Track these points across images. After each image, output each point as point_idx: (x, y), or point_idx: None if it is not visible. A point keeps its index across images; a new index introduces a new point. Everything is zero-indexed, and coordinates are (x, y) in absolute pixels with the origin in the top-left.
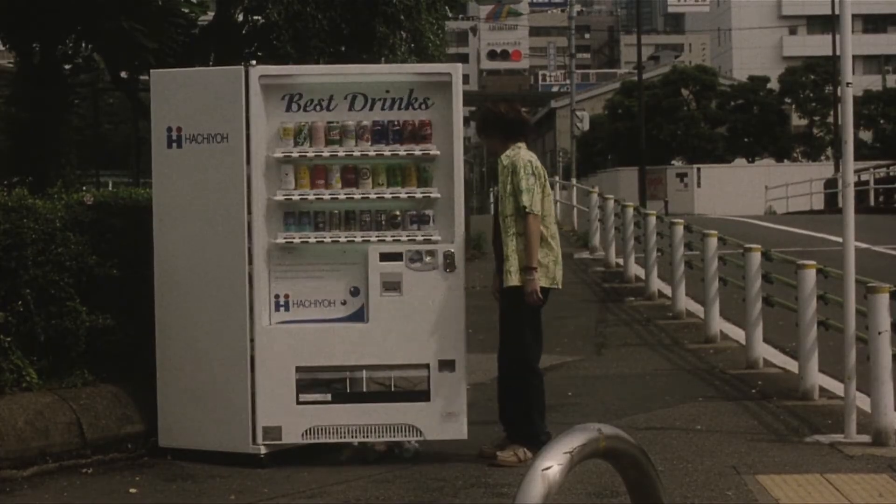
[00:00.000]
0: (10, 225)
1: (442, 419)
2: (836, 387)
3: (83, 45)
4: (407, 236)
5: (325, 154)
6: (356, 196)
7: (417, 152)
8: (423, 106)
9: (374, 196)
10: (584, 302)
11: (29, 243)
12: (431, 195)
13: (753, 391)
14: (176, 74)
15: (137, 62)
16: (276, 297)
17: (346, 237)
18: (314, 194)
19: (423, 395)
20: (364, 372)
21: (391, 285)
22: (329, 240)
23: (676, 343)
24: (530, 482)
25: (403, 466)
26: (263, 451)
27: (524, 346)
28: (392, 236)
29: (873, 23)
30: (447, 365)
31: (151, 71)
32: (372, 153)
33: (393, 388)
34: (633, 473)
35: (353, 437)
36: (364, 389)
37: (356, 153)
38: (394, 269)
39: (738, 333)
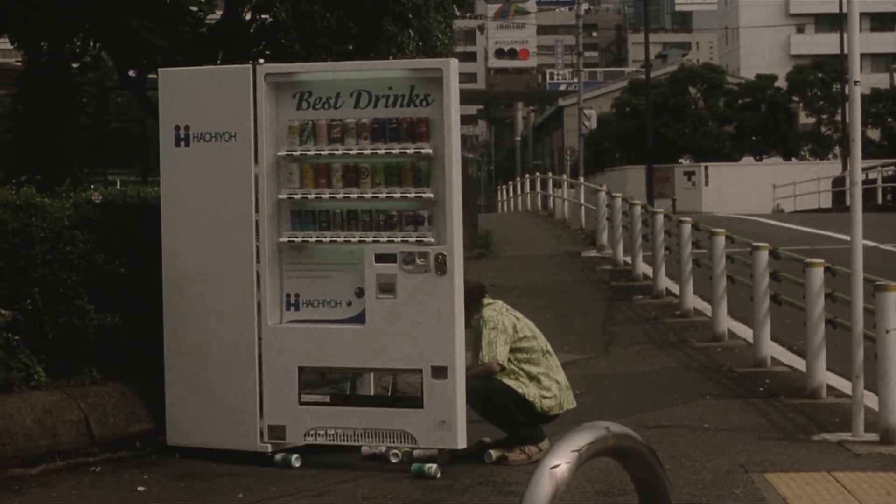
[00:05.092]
0: (19, 223)
1: (435, 427)
2: (843, 385)
3: (91, 43)
4: (402, 237)
5: (326, 152)
6: (353, 196)
7: (411, 151)
8: (423, 103)
9: (371, 196)
10: (592, 300)
11: (37, 242)
12: (424, 195)
13: (761, 389)
14: (184, 73)
15: (145, 61)
16: (288, 296)
17: (345, 237)
18: (316, 193)
19: (417, 402)
20: (360, 375)
21: (386, 287)
22: (328, 240)
23: (684, 341)
24: (539, 480)
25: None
26: (270, 449)
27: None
28: (388, 237)
29: (881, 21)
30: (439, 372)
31: (159, 69)
32: (368, 152)
33: (388, 392)
34: (640, 471)
35: (350, 441)
36: (360, 393)
37: (353, 152)
38: (388, 271)
39: (745, 332)
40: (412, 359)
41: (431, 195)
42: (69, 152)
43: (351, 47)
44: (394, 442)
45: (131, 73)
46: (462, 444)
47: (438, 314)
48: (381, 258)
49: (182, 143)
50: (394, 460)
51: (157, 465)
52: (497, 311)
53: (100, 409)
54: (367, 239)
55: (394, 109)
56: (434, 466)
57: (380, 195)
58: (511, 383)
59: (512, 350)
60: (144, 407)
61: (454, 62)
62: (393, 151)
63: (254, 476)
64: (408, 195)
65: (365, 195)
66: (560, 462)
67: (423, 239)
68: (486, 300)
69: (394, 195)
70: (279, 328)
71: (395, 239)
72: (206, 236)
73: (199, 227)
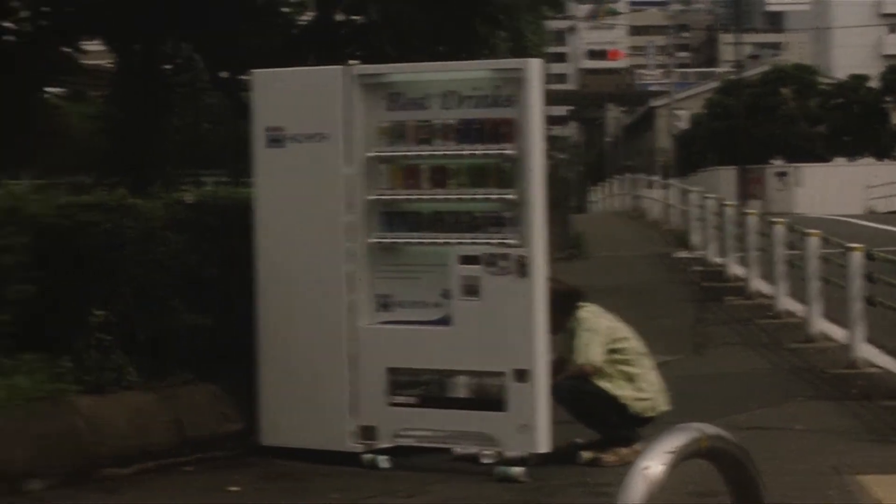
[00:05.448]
0: (112, 224)
1: (517, 431)
2: None
3: (183, 44)
4: (485, 239)
5: (414, 154)
6: (439, 197)
7: (494, 152)
8: (507, 103)
9: (455, 197)
10: (683, 301)
11: (129, 242)
12: (507, 197)
13: (854, 391)
14: (276, 74)
15: (237, 62)
16: (378, 296)
17: (431, 239)
18: (405, 194)
19: (500, 405)
20: (446, 378)
21: (470, 289)
22: (416, 241)
23: (776, 342)
24: (632, 481)
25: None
26: (361, 450)
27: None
28: (471, 239)
29: None
30: (521, 375)
31: (252, 71)
32: (453, 153)
33: (472, 395)
34: (734, 473)
35: (437, 443)
36: (446, 395)
37: (440, 153)
38: (472, 273)
39: (839, 333)
40: (495, 361)
41: (514, 197)
42: (162, 153)
43: (442, 48)
44: (478, 444)
45: (223, 74)
46: (544, 448)
47: (520, 317)
48: (465, 260)
49: (275, 144)
50: (485, 461)
51: (249, 466)
52: (592, 314)
53: (191, 409)
54: (451, 241)
55: (479, 110)
56: (520, 470)
57: (464, 196)
58: (606, 385)
59: (608, 352)
60: (235, 407)
61: (536, 62)
62: (477, 152)
63: (346, 476)
64: (491, 196)
65: (450, 196)
66: (654, 463)
67: (506, 241)
68: (581, 303)
69: (477, 196)
70: (370, 329)
71: (478, 241)
72: (299, 237)
73: (292, 227)
